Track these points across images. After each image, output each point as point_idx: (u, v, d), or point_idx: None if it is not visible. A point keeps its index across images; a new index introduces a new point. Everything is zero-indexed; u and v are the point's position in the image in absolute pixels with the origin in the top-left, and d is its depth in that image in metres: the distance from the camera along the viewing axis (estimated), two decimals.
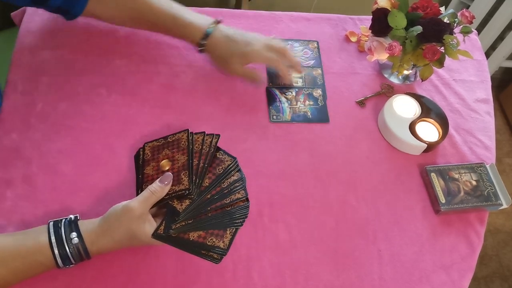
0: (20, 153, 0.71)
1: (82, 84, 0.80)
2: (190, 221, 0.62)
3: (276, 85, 0.86)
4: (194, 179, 0.64)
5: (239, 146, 0.77)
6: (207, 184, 0.64)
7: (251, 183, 0.73)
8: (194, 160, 0.66)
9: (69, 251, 0.58)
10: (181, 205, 0.62)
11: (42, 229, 0.59)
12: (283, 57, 0.81)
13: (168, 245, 0.61)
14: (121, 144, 0.75)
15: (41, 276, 0.61)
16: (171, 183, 0.62)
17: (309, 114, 0.83)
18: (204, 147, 0.67)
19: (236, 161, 0.66)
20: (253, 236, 0.69)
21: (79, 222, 0.60)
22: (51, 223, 0.60)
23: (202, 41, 0.79)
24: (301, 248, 0.70)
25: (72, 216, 0.61)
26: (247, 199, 0.64)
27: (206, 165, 0.65)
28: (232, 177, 0.65)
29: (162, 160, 0.66)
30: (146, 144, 0.70)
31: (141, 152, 0.69)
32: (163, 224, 0.61)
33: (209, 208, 0.62)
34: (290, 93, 0.85)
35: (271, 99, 0.84)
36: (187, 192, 0.62)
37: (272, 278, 0.67)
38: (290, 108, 0.83)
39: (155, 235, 0.60)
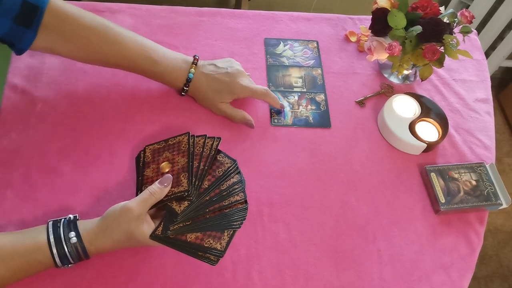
0: (20, 153, 0.71)
1: (82, 85, 0.80)
2: (188, 223, 0.62)
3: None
4: (193, 181, 0.64)
5: (238, 146, 0.77)
6: (206, 186, 0.64)
7: (251, 183, 0.73)
8: (194, 162, 0.66)
9: (68, 250, 0.58)
10: (180, 206, 0.62)
11: (41, 229, 0.59)
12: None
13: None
14: (121, 144, 0.75)
15: (40, 276, 0.61)
16: (170, 185, 0.62)
17: (310, 118, 0.83)
18: (205, 150, 0.67)
19: (236, 164, 0.66)
20: (253, 236, 0.70)
21: (78, 222, 0.60)
22: (50, 223, 0.60)
23: (185, 87, 0.77)
24: (301, 248, 0.70)
25: (71, 216, 0.61)
26: (245, 202, 0.64)
27: (206, 168, 0.65)
28: (231, 179, 0.65)
29: (162, 162, 0.66)
30: (147, 147, 0.70)
31: (142, 155, 0.69)
32: (161, 225, 0.61)
33: (207, 210, 0.62)
34: (293, 97, 0.85)
35: None
36: (186, 194, 0.62)
37: (272, 278, 0.67)
38: (292, 112, 0.83)
39: (153, 236, 0.60)
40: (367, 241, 0.72)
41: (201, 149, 0.67)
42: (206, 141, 0.68)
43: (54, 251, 0.57)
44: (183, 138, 0.69)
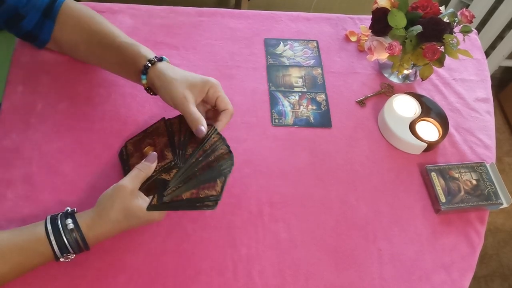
0: (20, 153, 0.71)
1: (82, 84, 0.80)
2: (180, 185, 0.63)
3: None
4: (177, 151, 0.65)
5: (239, 146, 0.77)
6: (191, 152, 0.66)
7: (251, 183, 0.73)
8: (175, 138, 0.67)
9: (66, 238, 0.58)
10: (169, 175, 0.64)
11: (39, 223, 0.60)
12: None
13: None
14: (121, 144, 0.74)
15: (41, 277, 0.61)
16: (156, 161, 0.64)
17: (311, 118, 0.83)
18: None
19: (214, 127, 0.67)
20: (253, 236, 0.69)
21: (76, 214, 0.61)
22: (48, 217, 0.60)
23: (146, 68, 0.68)
24: (301, 248, 0.70)
25: (68, 208, 0.62)
26: (230, 151, 0.66)
27: (186, 139, 0.67)
28: (212, 139, 0.67)
29: (144, 149, 0.68)
30: (127, 142, 0.72)
31: (124, 150, 0.71)
32: (155, 196, 0.62)
33: (196, 169, 0.64)
34: (293, 97, 0.85)
35: (274, 102, 0.84)
36: (172, 163, 0.64)
37: (272, 278, 0.67)
38: (292, 112, 0.83)
39: (150, 206, 0.61)
40: (368, 240, 0.72)
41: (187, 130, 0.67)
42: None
43: (52, 239, 0.58)
44: (160, 124, 0.71)
